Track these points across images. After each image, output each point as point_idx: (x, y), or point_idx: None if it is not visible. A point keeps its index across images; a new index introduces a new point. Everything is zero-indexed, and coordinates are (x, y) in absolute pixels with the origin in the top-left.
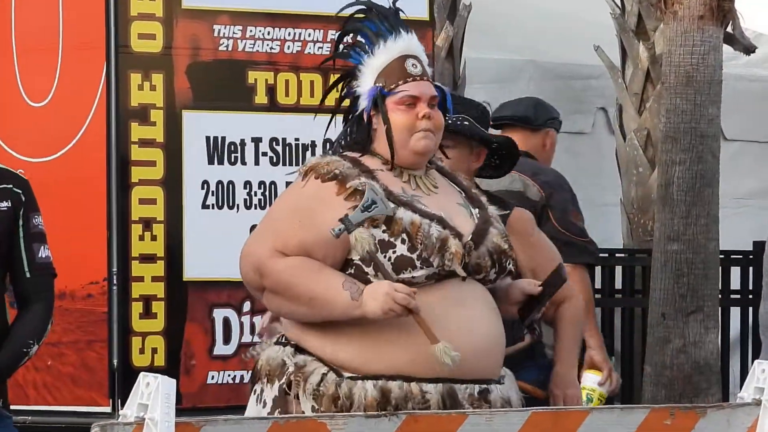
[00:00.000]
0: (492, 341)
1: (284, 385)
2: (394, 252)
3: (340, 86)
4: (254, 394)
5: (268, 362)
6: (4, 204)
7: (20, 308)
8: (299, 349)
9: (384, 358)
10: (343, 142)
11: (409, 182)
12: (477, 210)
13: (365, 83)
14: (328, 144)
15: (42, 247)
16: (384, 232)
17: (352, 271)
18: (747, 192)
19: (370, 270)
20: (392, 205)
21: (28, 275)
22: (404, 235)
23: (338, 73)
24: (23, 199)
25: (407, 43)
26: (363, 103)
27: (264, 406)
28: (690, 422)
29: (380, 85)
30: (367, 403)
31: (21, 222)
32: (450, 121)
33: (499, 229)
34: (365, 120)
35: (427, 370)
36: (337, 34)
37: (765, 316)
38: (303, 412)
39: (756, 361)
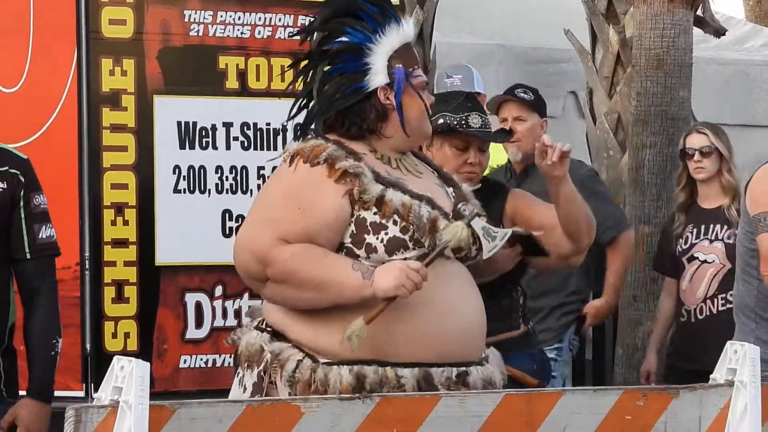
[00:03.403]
0: (473, 322)
1: (261, 372)
2: (386, 233)
3: (319, 67)
4: (237, 377)
5: (247, 348)
6: (0, 186)
7: (26, 296)
8: (276, 335)
9: (363, 342)
10: (344, 124)
11: (398, 167)
12: (452, 189)
13: (378, 62)
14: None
15: (43, 226)
16: (375, 214)
17: (343, 253)
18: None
19: (361, 252)
20: (494, 249)
21: (29, 256)
22: (396, 217)
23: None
24: (22, 180)
25: (412, 28)
26: (377, 81)
27: (245, 391)
28: (663, 403)
29: (401, 66)
30: (342, 388)
31: (22, 203)
32: (481, 125)
33: (476, 205)
34: (380, 98)
35: (403, 354)
36: (326, 10)
37: (739, 297)
38: None
39: (728, 343)
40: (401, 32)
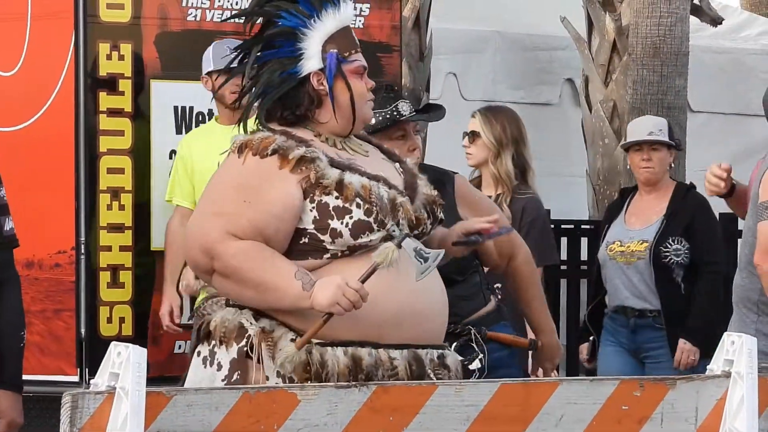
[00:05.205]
0: (441, 301)
1: (245, 348)
2: (351, 217)
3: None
4: (198, 356)
5: (223, 324)
6: None
7: None
8: (259, 313)
9: (350, 323)
10: (281, 110)
11: (344, 149)
12: (397, 164)
13: (312, 47)
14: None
15: (6, 218)
16: (337, 198)
17: (306, 240)
18: (712, 163)
19: (326, 238)
20: (427, 271)
21: None
22: (358, 200)
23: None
24: None
25: (351, 12)
26: (310, 66)
27: (219, 369)
28: (659, 394)
29: (335, 51)
30: (339, 370)
31: None
32: (410, 110)
33: (424, 179)
34: (313, 83)
35: (391, 335)
36: None
37: (740, 287)
38: (267, 377)
39: (725, 334)
40: (338, 16)
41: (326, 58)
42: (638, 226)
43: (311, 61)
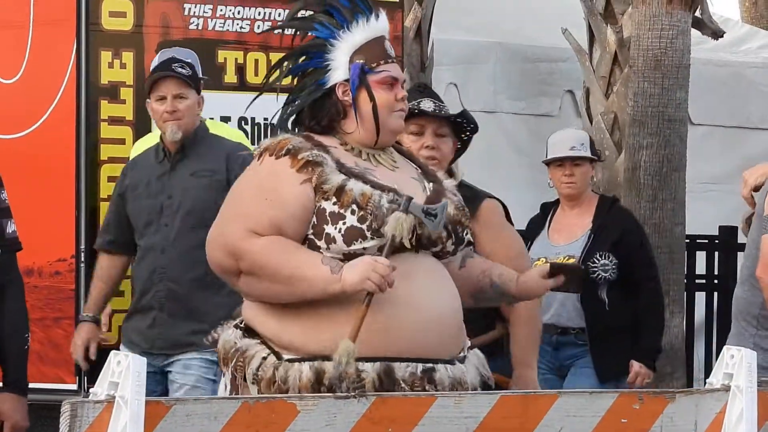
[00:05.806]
0: (442, 317)
1: (233, 370)
2: (344, 223)
3: (287, 62)
4: (223, 375)
5: (224, 346)
6: None
7: None
8: (249, 331)
9: (324, 337)
10: (308, 120)
11: (368, 159)
12: (432, 184)
13: (339, 58)
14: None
15: (9, 221)
16: (334, 204)
17: (305, 245)
18: (712, 176)
19: (321, 243)
20: (440, 224)
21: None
22: (354, 206)
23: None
24: None
25: (384, 23)
26: (336, 77)
27: (225, 389)
28: (659, 407)
29: (361, 61)
30: (301, 385)
31: None
32: (433, 108)
33: (454, 200)
34: (338, 94)
35: (366, 348)
36: (298, 5)
37: (740, 300)
38: None
39: (725, 347)
40: (368, 27)
41: (351, 69)
42: (562, 242)
43: (338, 72)
